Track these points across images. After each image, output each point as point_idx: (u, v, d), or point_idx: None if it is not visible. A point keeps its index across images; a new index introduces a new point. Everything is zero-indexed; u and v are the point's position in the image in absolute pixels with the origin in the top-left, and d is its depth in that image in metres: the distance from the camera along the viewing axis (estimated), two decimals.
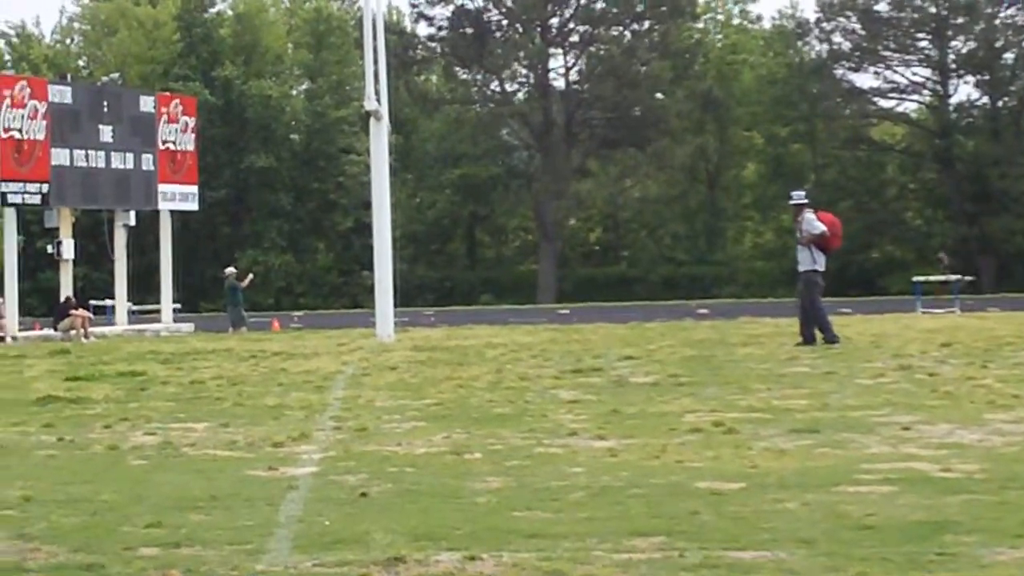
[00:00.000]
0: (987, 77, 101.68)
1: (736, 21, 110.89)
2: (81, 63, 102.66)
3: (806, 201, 34.45)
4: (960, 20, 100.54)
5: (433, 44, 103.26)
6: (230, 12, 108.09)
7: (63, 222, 52.71)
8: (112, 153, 53.90)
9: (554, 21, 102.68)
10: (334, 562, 11.55)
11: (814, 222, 33.21)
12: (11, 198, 50.00)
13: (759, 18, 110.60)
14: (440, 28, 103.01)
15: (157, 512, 13.84)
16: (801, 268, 33.35)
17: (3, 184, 49.65)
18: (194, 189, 59.36)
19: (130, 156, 54.75)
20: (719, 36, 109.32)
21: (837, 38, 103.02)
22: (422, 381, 25.69)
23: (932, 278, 65.59)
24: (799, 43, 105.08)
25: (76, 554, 12.14)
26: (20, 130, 50.19)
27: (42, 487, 15.43)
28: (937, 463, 15.45)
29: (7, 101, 50.16)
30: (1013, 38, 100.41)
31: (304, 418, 21.20)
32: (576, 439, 18.18)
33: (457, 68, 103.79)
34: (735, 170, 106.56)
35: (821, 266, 33.16)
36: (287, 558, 11.81)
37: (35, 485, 15.59)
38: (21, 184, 50.03)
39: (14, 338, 47.57)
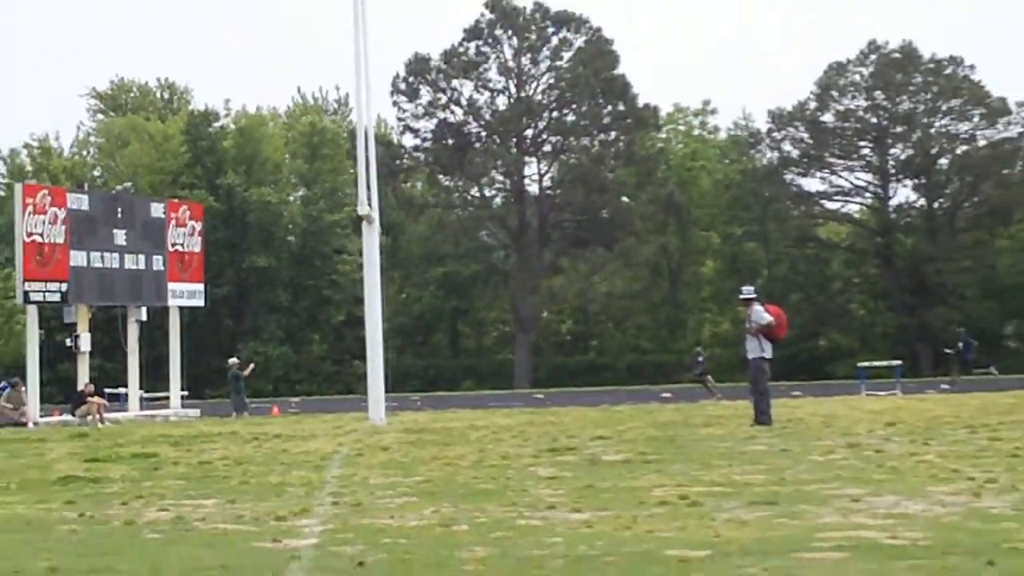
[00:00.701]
0: (924, 181, 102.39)
1: (696, 132, 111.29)
2: (96, 173, 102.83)
3: (755, 296, 34.62)
4: (899, 129, 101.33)
5: (418, 154, 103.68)
6: (232, 126, 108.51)
7: (80, 318, 52.79)
8: (126, 255, 54.08)
9: (529, 132, 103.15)
10: None
11: (762, 313, 33.44)
12: (33, 296, 50.16)
13: (716, 128, 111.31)
14: (424, 139, 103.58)
15: None
16: (750, 356, 33.55)
17: (26, 284, 49.81)
18: (200, 287, 59.48)
19: (142, 257, 54.92)
20: (680, 145, 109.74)
21: (787, 146, 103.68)
22: (412, 460, 25.62)
23: (876, 363, 65.81)
24: (752, 151, 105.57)
25: None
26: (42, 234, 50.33)
27: (66, 559, 15.37)
28: (885, 531, 15.41)
29: (30, 208, 50.30)
30: (947, 145, 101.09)
31: (304, 494, 21.13)
32: (554, 512, 18.13)
33: (440, 176, 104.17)
34: (694, 267, 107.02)
35: (768, 353, 33.33)
36: None
37: (59, 558, 15.53)
38: (43, 284, 50.17)
39: (35, 423, 47.49)
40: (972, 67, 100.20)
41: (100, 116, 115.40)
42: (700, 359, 64.66)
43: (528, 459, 25.25)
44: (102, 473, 25.22)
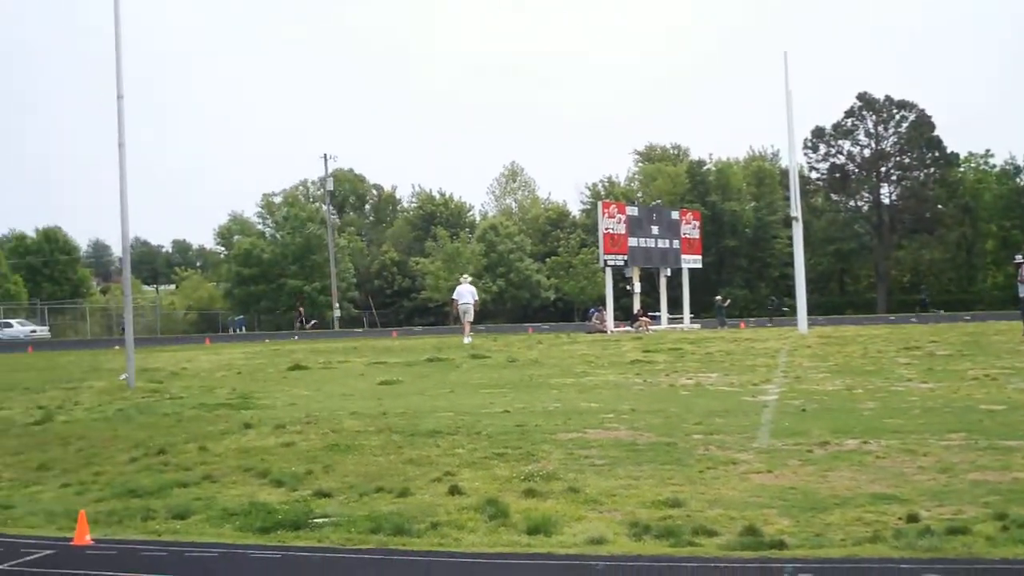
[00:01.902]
0: None
1: (981, 167, 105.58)
2: (639, 195, 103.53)
3: (1023, 260, 32.86)
4: None
5: (819, 182, 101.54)
6: (713, 167, 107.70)
7: (634, 274, 53.21)
8: (658, 240, 54.29)
9: (882, 169, 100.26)
10: (792, 443, 11.54)
11: None
12: (609, 263, 50.69)
13: (993, 165, 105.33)
14: (822, 174, 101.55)
15: (700, 417, 13.93)
16: (1021, 295, 31.87)
17: (605, 256, 50.42)
18: (699, 257, 59.30)
19: (667, 241, 55.04)
20: (971, 174, 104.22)
21: None
22: (825, 353, 25.14)
23: None
24: (1015, 176, 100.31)
25: (660, 437, 12.34)
26: (612, 229, 50.86)
27: (640, 405, 15.66)
28: None
29: (606, 215, 50.96)
30: None
31: (766, 371, 21.00)
32: (911, 383, 17.66)
33: (831, 194, 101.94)
34: (980, 243, 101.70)
35: None
36: (767, 441, 11.80)
37: (636, 404, 15.82)
38: (614, 256, 50.67)
39: (611, 331, 48.04)
40: None
41: (640, 164, 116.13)
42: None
43: (892, 352, 24.54)
44: (652, 358, 25.51)
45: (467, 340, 35.89)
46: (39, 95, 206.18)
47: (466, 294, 38.28)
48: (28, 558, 8.11)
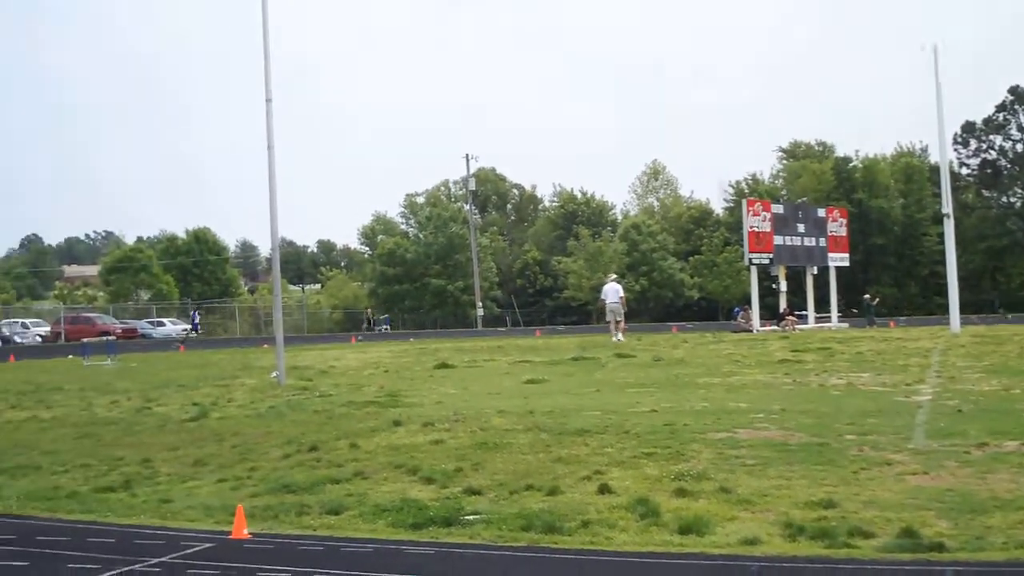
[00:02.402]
0: None
1: None
2: (783, 193, 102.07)
3: None
4: None
5: (969, 178, 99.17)
6: (860, 165, 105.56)
7: (780, 272, 52.56)
8: (804, 238, 53.57)
9: None
10: (948, 444, 11.31)
11: None
12: (755, 261, 50.19)
13: None
14: (972, 170, 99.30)
15: (853, 417, 13.67)
16: None
17: (750, 254, 49.90)
18: (846, 255, 58.40)
19: (813, 239, 54.27)
20: None
21: None
22: (979, 352, 24.49)
23: None
24: None
25: (812, 437, 12.17)
26: (757, 227, 50.31)
27: (790, 404, 15.45)
28: None
29: (750, 212, 50.42)
30: None
31: (919, 371, 20.54)
32: None
33: (982, 190, 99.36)
34: None
35: None
36: (923, 441, 11.55)
37: (786, 403, 15.61)
38: (759, 254, 50.12)
39: (757, 330, 47.48)
40: None
41: (784, 161, 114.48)
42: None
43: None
44: (800, 357, 25.18)
45: (616, 338, 35.96)
46: (191, 99, 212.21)
47: (611, 292, 38.49)
48: (188, 551, 8.34)
